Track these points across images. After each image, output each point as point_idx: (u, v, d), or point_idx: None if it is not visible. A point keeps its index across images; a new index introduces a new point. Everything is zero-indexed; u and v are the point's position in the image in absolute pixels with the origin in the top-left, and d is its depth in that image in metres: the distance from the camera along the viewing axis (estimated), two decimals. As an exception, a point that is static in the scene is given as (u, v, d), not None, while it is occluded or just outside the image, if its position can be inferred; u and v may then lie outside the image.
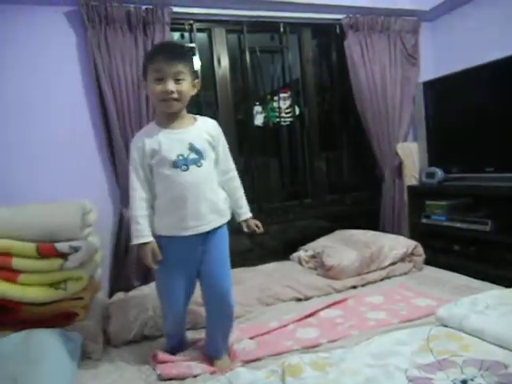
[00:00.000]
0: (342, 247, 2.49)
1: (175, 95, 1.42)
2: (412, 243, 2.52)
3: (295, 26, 2.88)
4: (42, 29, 2.22)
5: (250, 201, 1.73)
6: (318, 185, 3.09)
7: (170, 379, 1.49)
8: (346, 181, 3.24)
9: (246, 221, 1.66)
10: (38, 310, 1.68)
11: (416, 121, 2.99)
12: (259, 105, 2.94)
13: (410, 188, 2.93)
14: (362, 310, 1.96)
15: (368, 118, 2.88)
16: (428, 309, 1.86)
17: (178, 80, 1.42)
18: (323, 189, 3.12)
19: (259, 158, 2.98)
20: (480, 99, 2.56)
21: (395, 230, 2.91)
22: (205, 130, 1.52)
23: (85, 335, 1.68)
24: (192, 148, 1.46)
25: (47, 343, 1.50)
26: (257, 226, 1.66)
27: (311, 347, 1.63)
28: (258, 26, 2.76)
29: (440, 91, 2.80)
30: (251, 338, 1.73)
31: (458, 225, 2.57)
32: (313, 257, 2.59)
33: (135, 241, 1.48)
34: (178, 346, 1.68)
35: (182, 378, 1.49)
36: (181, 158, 1.44)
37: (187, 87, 1.45)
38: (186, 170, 1.45)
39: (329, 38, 3.06)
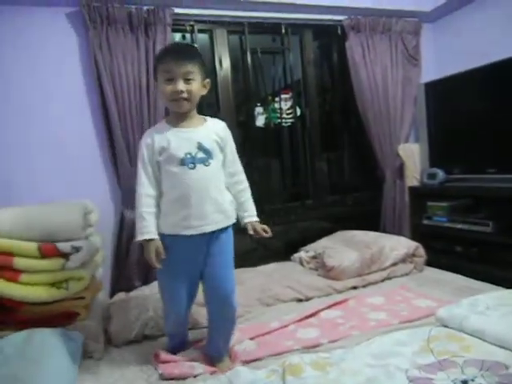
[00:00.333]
0: (343, 248, 2.49)
1: (185, 95, 1.43)
2: (413, 244, 2.51)
3: (297, 27, 2.89)
4: (43, 30, 2.23)
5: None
6: (319, 186, 3.10)
7: (172, 379, 1.49)
8: (347, 182, 3.24)
9: (251, 224, 1.61)
10: (39, 309, 1.68)
11: (417, 122, 2.99)
12: (260, 106, 2.95)
13: (412, 189, 2.93)
14: (362, 311, 1.96)
15: (369, 119, 2.89)
16: (428, 309, 1.85)
17: (188, 80, 1.42)
18: (324, 190, 3.12)
19: (260, 159, 2.99)
20: (482, 100, 2.55)
21: (396, 231, 2.90)
22: (214, 131, 1.52)
23: (86, 335, 1.68)
24: (200, 147, 1.46)
25: (48, 343, 1.51)
26: (265, 231, 1.61)
27: (312, 347, 1.63)
28: (260, 27, 2.77)
29: (441, 92, 2.80)
30: (252, 339, 1.72)
31: (460, 226, 2.56)
32: (314, 257, 2.59)
33: (140, 237, 1.46)
34: (179, 346, 1.68)
35: (184, 378, 1.49)
36: (188, 156, 1.44)
37: (197, 87, 1.46)
38: (192, 169, 1.44)
39: (330, 39, 3.07)
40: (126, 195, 2.32)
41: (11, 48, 2.19)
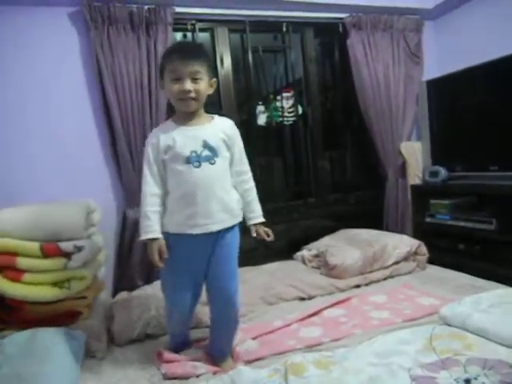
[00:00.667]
0: (346, 246, 2.49)
1: (193, 94, 1.42)
2: (415, 242, 2.51)
3: (298, 26, 2.88)
4: (44, 29, 2.23)
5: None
6: (322, 184, 3.09)
7: (174, 378, 1.49)
8: (350, 180, 3.24)
9: (255, 226, 1.61)
10: (42, 308, 1.69)
11: (419, 119, 2.97)
12: (262, 104, 2.94)
13: (414, 187, 2.92)
14: (365, 309, 1.95)
15: (371, 117, 2.88)
16: (431, 308, 1.85)
17: (195, 79, 1.42)
18: (327, 188, 3.12)
19: (262, 157, 2.98)
20: (484, 97, 2.54)
21: (399, 229, 2.90)
22: (221, 129, 1.51)
23: (88, 334, 1.68)
24: (206, 145, 1.45)
25: (51, 342, 1.51)
26: (267, 235, 1.61)
27: (314, 346, 1.63)
28: (261, 25, 2.77)
29: (444, 90, 2.78)
30: (254, 338, 1.72)
31: (463, 224, 2.56)
32: (316, 256, 2.59)
33: (143, 236, 1.46)
34: (181, 345, 1.68)
35: (186, 378, 1.49)
36: (194, 154, 1.43)
37: (204, 86, 1.45)
38: (198, 167, 1.43)
39: (331, 36, 3.06)
40: (129, 194, 2.33)
41: (12, 47, 2.19)
